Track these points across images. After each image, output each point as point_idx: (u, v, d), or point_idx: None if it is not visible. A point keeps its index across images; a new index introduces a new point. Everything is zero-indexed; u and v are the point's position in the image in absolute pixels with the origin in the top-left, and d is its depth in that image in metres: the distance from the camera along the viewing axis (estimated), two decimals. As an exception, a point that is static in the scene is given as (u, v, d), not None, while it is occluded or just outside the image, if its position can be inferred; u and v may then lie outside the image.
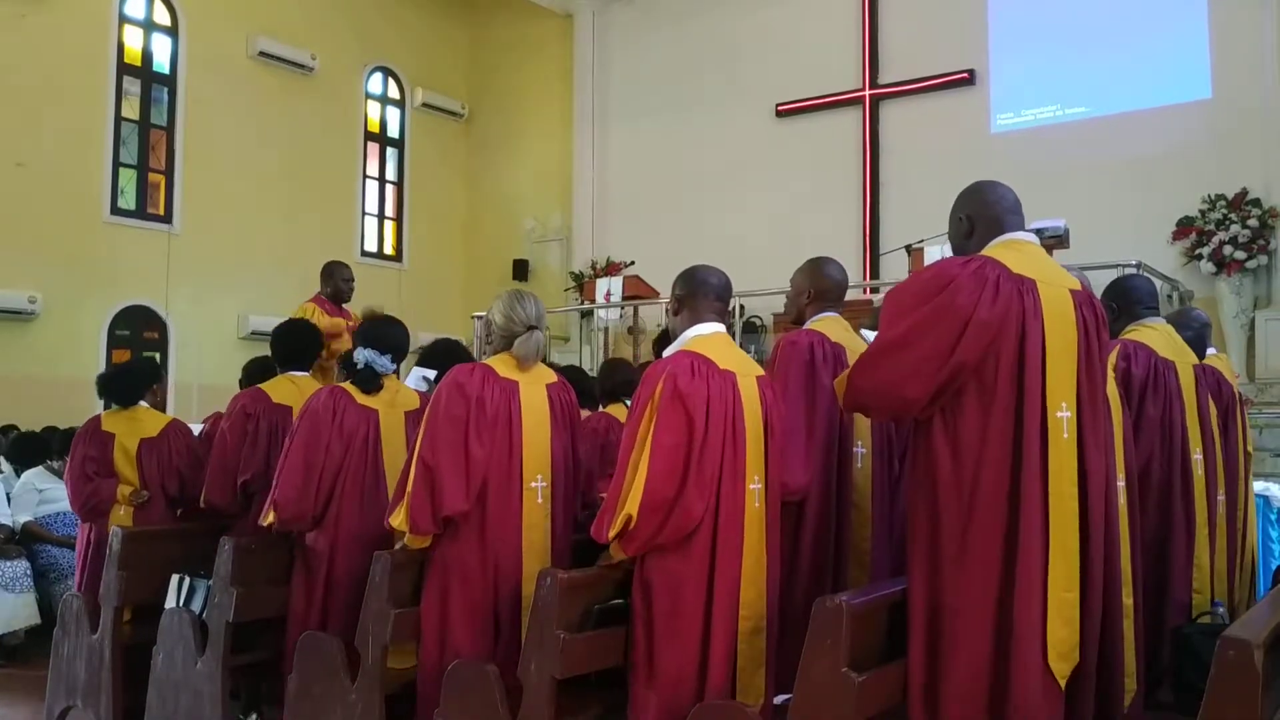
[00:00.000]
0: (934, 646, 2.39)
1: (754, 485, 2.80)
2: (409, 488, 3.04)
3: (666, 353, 2.89)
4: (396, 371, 3.85)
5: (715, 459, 2.72)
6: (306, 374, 4.44)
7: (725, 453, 2.74)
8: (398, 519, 3.07)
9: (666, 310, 3.12)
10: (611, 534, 2.69)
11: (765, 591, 2.80)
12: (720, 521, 2.72)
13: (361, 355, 3.73)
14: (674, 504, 2.65)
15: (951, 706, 2.35)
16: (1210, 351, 3.98)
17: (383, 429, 3.68)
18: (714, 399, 2.73)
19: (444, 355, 4.11)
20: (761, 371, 2.98)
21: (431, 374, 4.04)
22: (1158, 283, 5.36)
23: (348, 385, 3.71)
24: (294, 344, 4.46)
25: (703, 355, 2.80)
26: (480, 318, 8.69)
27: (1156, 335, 3.52)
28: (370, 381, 3.70)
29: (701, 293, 2.98)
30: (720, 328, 2.97)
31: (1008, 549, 2.37)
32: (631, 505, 2.64)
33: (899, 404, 2.49)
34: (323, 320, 5.70)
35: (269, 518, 3.55)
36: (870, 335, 3.43)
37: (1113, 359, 3.30)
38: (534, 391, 3.23)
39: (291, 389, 4.26)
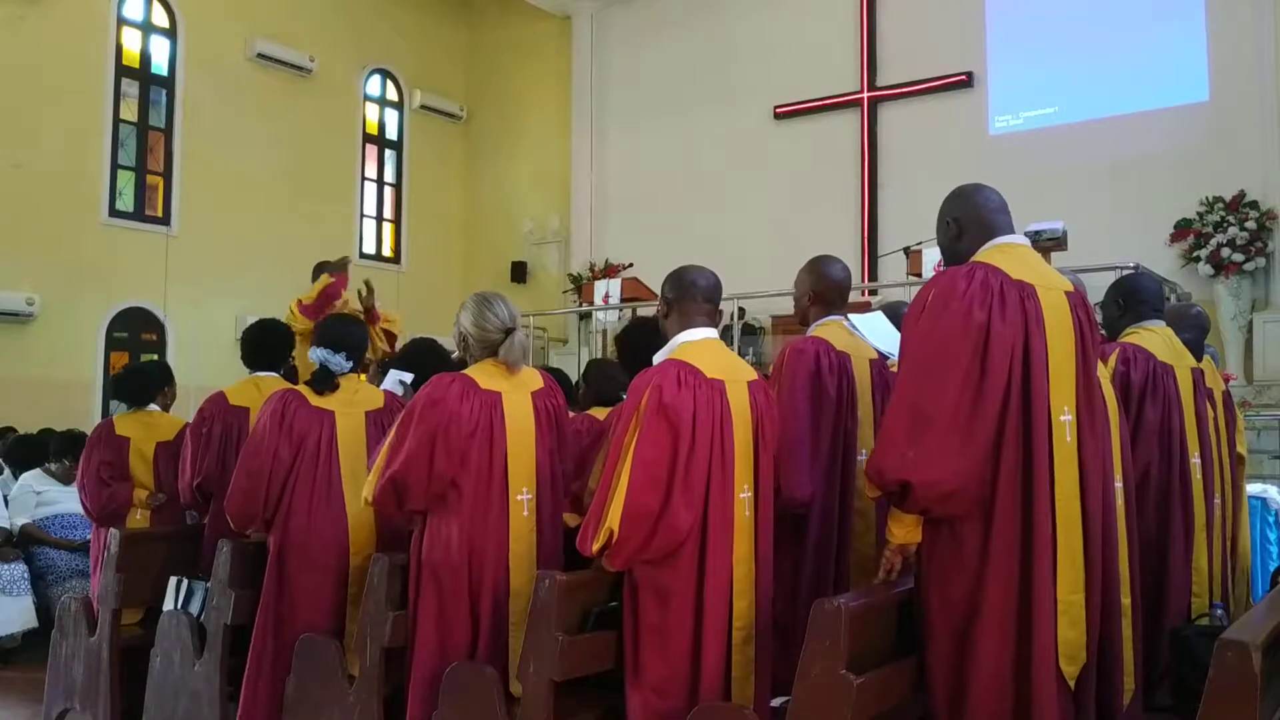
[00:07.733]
0: (958, 652, 2.40)
1: (744, 494, 2.75)
2: (373, 489, 3.03)
3: (656, 359, 2.84)
4: (356, 370, 3.78)
5: (702, 470, 2.67)
6: (274, 375, 4.40)
7: (713, 463, 2.69)
8: (367, 492, 3.09)
9: (657, 313, 3.08)
10: (595, 547, 2.65)
11: (757, 601, 2.77)
12: (709, 532, 2.68)
13: (316, 355, 3.67)
14: (659, 517, 2.61)
15: (977, 710, 2.36)
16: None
17: (339, 430, 3.59)
18: (700, 410, 2.68)
19: (421, 356, 4.06)
20: (754, 375, 2.91)
21: (408, 377, 3.96)
22: (1156, 285, 5.42)
23: (302, 387, 3.67)
24: (259, 346, 4.43)
25: (690, 364, 2.73)
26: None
27: (1156, 338, 3.50)
28: (324, 382, 3.63)
29: (689, 295, 2.91)
30: (711, 332, 2.91)
31: (1024, 554, 2.38)
32: (613, 519, 2.60)
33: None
34: (294, 323, 5.69)
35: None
36: (858, 320, 3.43)
37: (1111, 362, 3.29)
38: (518, 401, 3.16)
39: (252, 391, 4.25)
